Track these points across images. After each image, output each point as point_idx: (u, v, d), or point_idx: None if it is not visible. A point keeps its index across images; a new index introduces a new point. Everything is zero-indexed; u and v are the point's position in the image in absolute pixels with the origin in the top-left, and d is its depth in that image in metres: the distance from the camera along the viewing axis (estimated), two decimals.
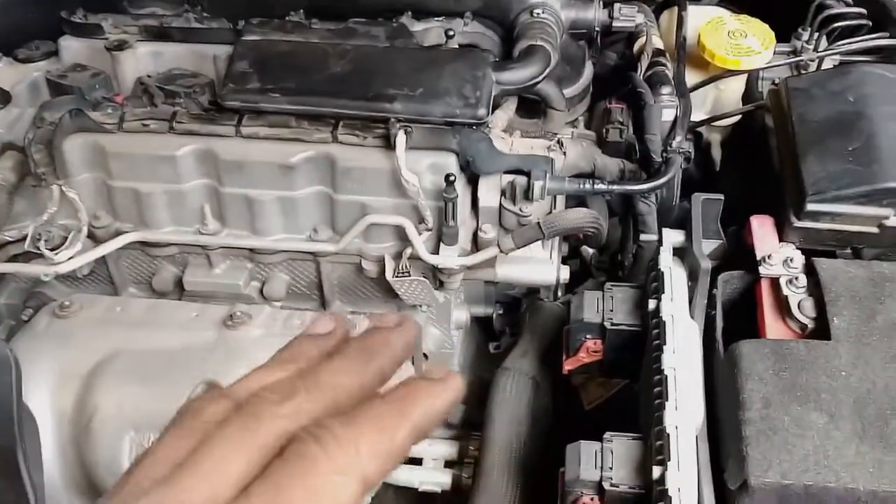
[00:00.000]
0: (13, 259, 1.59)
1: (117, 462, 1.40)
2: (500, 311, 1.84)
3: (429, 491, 1.67)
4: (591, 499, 1.27)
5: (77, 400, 1.45)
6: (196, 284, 1.61)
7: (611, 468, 1.25)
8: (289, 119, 1.48)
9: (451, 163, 1.47)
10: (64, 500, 1.47)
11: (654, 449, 1.22)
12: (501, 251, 1.47)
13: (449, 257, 1.49)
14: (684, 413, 1.22)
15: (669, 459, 1.18)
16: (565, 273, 1.56)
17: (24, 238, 1.53)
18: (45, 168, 1.49)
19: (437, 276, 1.54)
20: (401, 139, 1.42)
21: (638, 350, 1.41)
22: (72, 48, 1.71)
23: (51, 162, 1.49)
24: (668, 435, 1.19)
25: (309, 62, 1.52)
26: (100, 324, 1.55)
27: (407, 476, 1.67)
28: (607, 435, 1.29)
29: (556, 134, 1.62)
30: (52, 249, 1.51)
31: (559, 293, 1.68)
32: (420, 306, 1.60)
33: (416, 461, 1.71)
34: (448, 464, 1.71)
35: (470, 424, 1.74)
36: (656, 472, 1.19)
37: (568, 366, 1.47)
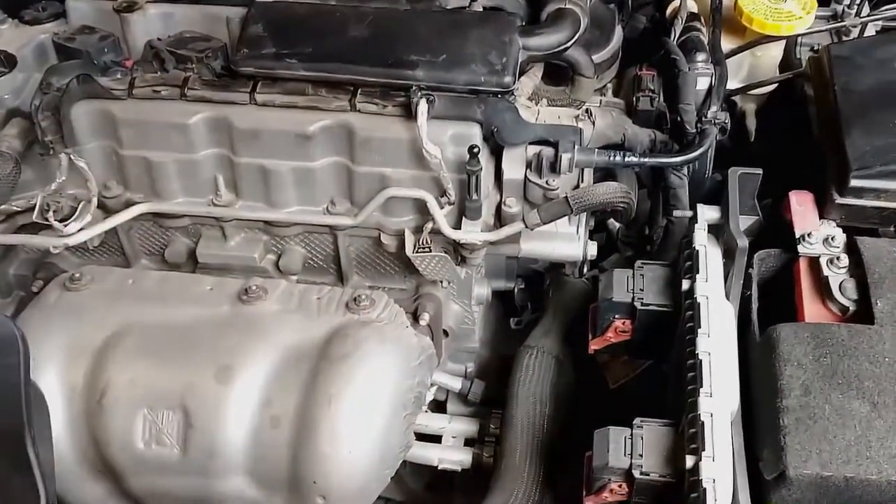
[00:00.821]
0: (21, 229, 1.54)
1: (131, 440, 1.37)
2: (522, 286, 1.79)
3: (448, 469, 1.64)
4: (620, 485, 1.22)
5: (88, 375, 1.41)
6: (210, 257, 1.55)
7: (641, 455, 1.21)
8: (305, 86, 1.41)
9: (474, 133, 1.40)
10: (76, 475, 1.44)
11: (686, 437, 1.17)
12: (527, 227, 1.41)
13: (471, 232, 1.43)
14: (719, 400, 1.17)
15: (704, 449, 1.13)
16: (593, 249, 1.50)
17: (33, 208, 1.47)
18: (52, 136, 1.43)
19: (458, 252, 1.48)
20: (422, 108, 1.36)
21: (668, 331, 1.35)
22: (80, 9, 1.64)
23: (58, 129, 1.43)
24: (703, 423, 1.14)
25: (326, 26, 1.45)
26: (111, 297, 1.51)
27: (425, 453, 1.63)
28: (637, 421, 1.24)
29: (584, 102, 1.54)
30: (61, 220, 1.46)
31: (585, 269, 1.62)
32: (441, 282, 1.55)
33: (436, 439, 1.67)
34: (468, 442, 1.67)
35: (490, 402, 1.70)
36: (689, 461, 1.14)
37: (594, 346, 1.42)
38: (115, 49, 1.54)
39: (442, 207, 1.42)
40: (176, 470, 1.37)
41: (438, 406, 1.78)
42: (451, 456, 1.63)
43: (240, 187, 1.49)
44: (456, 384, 1.72)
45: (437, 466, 1.63)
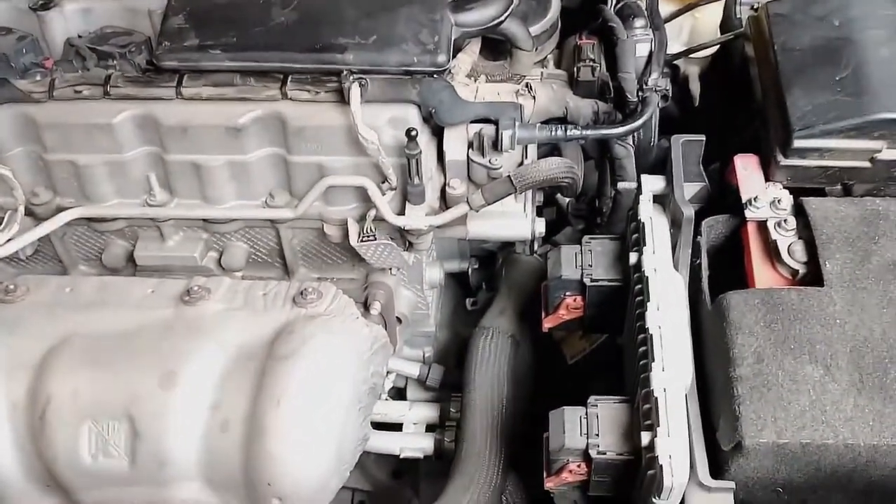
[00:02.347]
0: None
1: (77, 454, 1.33)
2: (476, 266, 1.76)
3: (410, 457, 1.61)
4: (579, 465, 1.21)
5: (29, 391, 1.36)
6: (149, 259, 1.50)
7: (597, 435, 1.19)
8: (233, 77, 1.36)
9: (411, 115, 1.36)
10: (26, 493, 1.39)
11: (641, 413, 1.16)
12: (472, 208, 1.37)
13: (416, 217, 1.39)
14: (672, 374, 1.15)
15: (658, 425, 1.11)
16: (541, 226, 1.47)
17: None
18: None
19: (405, 238, 1.44)
20: (355, 92, 1.31)
21: (620, 304, 1.33)
22: None
23: None
24: (657, 399, 1.12)
25: (251, 13, 1.39)
26: (49, 307, 1.45)
27: (387, 443, 1.60)
28: (592, 399, 1.22)
29: (524, 76, 1.51)
30: None
31: (536, 245, 1.59)
32: (389, 269, 1.51)
33: (397, 427, 1.64)
34: (430, 428, 1.65)
35: (451, 385, 1.67)
36: (645, 438, 1.12)
37: (547, 324, 1.40)
38: (33, 49, 1.47)
39: (384, 194, 1.38)
40: (126, 481, 1.33)
41: (398, 393, 1.76)
42: (413, 443, 1.61)
43: (174, 185, 1.44)
44: (414, 370, 1.69)
45: (399, 455, 1.61)
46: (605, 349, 1.61)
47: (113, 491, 1.35)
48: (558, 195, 1.65)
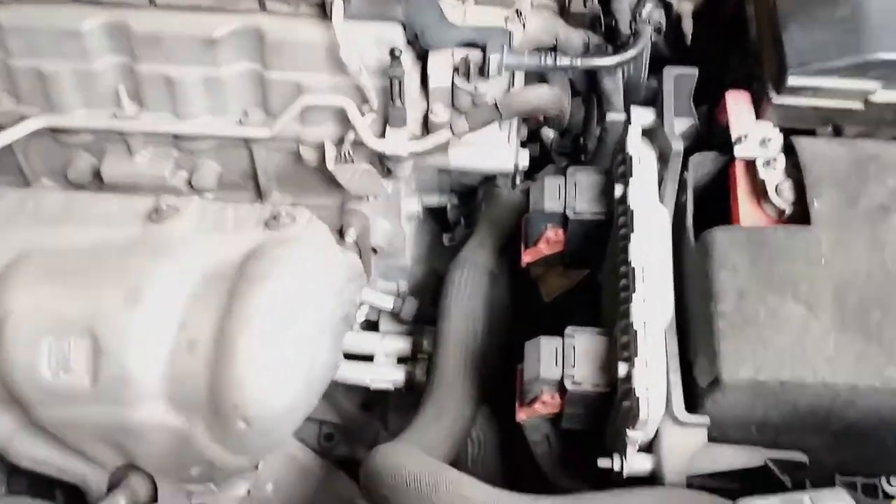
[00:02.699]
0: None
1: (35, 368, 1.28)
2: (455, 202, 1.72)
3: (381, 389, 1.59)
4: (552, 396, 1.19)
5: None
6: (116, 175, 1.45)
7: (573, 366, 1.17)
8: None
9: (396, 35, 1.31)
10: None
11: (619, 345, 1.14)
12: (454, 135, 1.33)
13: (396, 142, 1.35)
14: (653, 307, 1.13)
15: (636, 356, 1.09)
16: (524, 158, 1.44)
17: None
18: None
19: (384, 164, 1.40)
20: (338, 7, 1.26)
21: (602, 239, 1.30)
22: None
23: None
24: (636, 331, 1.10)
25: None
26: (9, 220, 1.40)
27: (357, 373, 1.57)
28: (569, 330, 1.20)
29: (514, 2, 1.45)
30: None
31: (518, 180, 1.55)
32: (366, 197, 1.47)
33: (367, 358, 1.61)
34: (401, 360, 1.62)
35: (423, 319, 1.65)
36: (622, 369, 1.11)
37: (527, 258, 1.36)
38: None
39: (364, 116, 1.34)
40: (87, 398, 1.29)
41: (370, 327, 1.73)
42: (384, 375, 1.58)
43: (144, 98, 1.38)
44: (388, 303, 1.66)
45: (369, 387, 1.58)
46: (583, 288, 1.59)
47: (73, 409, 1.31)
48: (543, 130, 1.61)
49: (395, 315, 1.67)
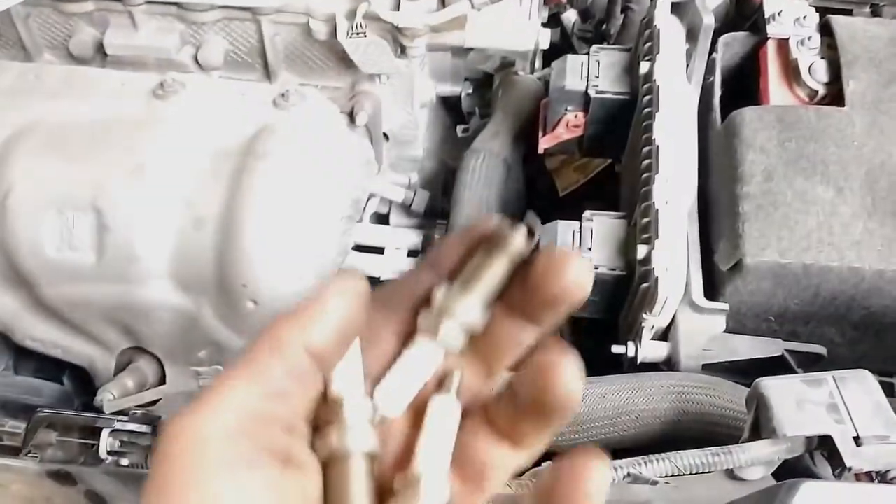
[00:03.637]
0: None
1: (39, 244, 1.25)
2: (470, 90, 1.66)
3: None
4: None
5: None
6: (119, 48, 1.39)
7: (590, 249, 1.13)
8: None
9: None
10: None
11: (639, 227, 1.10)
12: (473, 6, 1.27)
13: (412, 14, 1.28)
14: (675, 187, 1.09)
15: (657, 237, 1.05)
16: (545, 38, 1.37)
17: None
18: None
19: (397, 40, 1.34)
20: None
21: (624, 123, 1.25)
22: None
23: None
24: (657, 210, 1.06)
25: None
26: (11, 93, 1.35)
27: (368, 265, 1.54)
28: (587, 213, 1.16)
29: None
30: None
31: (537, 63, 1.49)
32: (378, 77, 1.41)
33: (378, 250, 1.58)
34: (411, 253, 1.59)
35: (435, 213, 1.61)
36: (641, 251, 1.07)
37: (545, 143, 1.32)
38: None
39: None
40: (92, 276, 1.26)
41: (381, 219, 1.69)
42: (395, 267, 1.55)
43: None
44: (398, 195, 1.62)
45: (379, 278, 1.55)
46: (600, 182, 1.54)
47: (79, 287, 1.28)
48: (565, 15, 1.54)
49: (405, 207, 1.63)
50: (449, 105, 1.71)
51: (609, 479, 0.46)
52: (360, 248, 1.54)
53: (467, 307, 0.46)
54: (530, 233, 0.47)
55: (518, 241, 0.47)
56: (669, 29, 1.18)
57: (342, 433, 0.46)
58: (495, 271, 0.47)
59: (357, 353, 0.48)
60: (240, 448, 0.44)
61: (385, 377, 0.48)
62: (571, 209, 1.27)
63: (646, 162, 1.12)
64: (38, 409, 1.17)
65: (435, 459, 0.48)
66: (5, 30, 1.42)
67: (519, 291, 0.47)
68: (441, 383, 0.49)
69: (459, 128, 1.71)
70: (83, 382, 1.50)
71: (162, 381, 1.41)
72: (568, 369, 0.44)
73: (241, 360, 0.46)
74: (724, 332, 1.13)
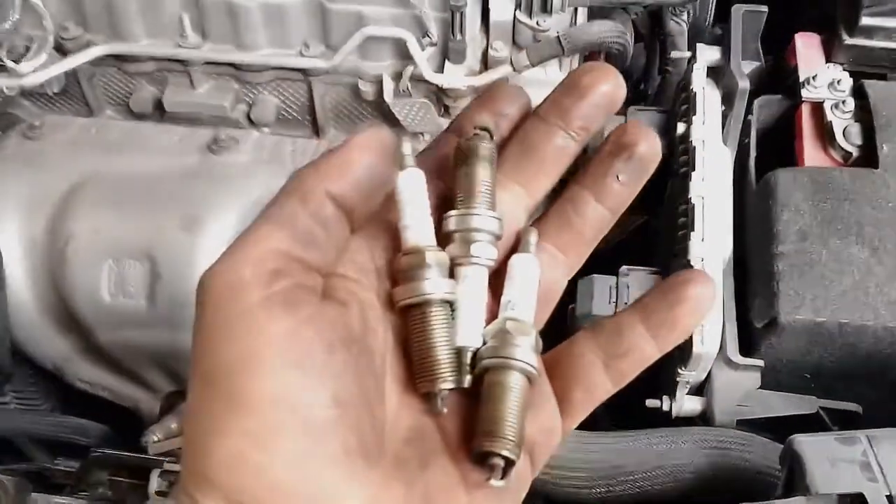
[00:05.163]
0: None
1: (96, 291, 1.32)
2: None
3: None
4: None
5: (49, 226, 1.35)
6: (177, 105, 1.46)
7: (626, 304, 1.15)
8: None
9: None
10: (41, 329, 1.39)
11: None
12: (515, 70, 1.32)
13: (455, 77, 1.34)
14: (712, 245, 1.11)
15: None
16: None
17: None
18: None
19: (441, 100, 1.39)
20: None
21: (661, 181, 1.28)
22: None
23: None
24: (693, 268, 1.08)
25: None
26: (73, 146, 1.43)
27: None
28: (623, 269, 1.19)
29: None
30: (15, 61, 1.36)
31: None
32: (422, 134, 1.46)
33: None
34: None
35: None
36: None
37: None
38: None
39: (423, 49, 1.33)
40: (144, 322, 1.32)
41: None
42: None
43: (206, 28, 1.39)
44: None
45: None
46: (638, 236, 1.56)
47: (131, 332, 1.34)
48: None
49: None
50: None
51: (712, 292, 0.49)
52: None
53: (482, 223, 0.51)
54: (485, 129, 0.53)
55: (486, 146, 0.52)
56: (706, 92, 1.21)
57: (424, 280, 0.49)
58: (484, 176, 0.52)
59: (425, 204, 0.51)
60: (276, 287, 0.44)
61: (462, 322, 0.51)
62: (606, 264, 1.29)
63: (682, 220, 1.14)
64: (92, 449, 1.21)
65: (525, 311, 0.51)
66: (71, 87, 1.50)
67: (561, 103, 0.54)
68: (517, 244, 0.53)
69: None
70: (126, 424, 1.54)
71: None
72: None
73: (269, 209, 0.47)
74: (759, 388, 1.14)
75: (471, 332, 0.51)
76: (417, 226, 0.50)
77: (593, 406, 0.53)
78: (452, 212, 0.51)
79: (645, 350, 0.52)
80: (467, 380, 0.51)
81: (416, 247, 0.50)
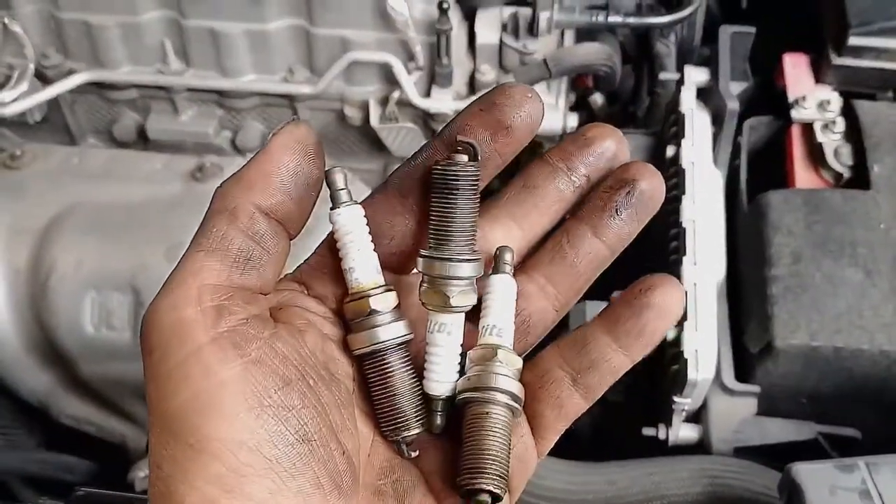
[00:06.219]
0: None
1: (79, 324, 1.29)
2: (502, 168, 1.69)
3: None
4: None
5: (32, 256, 1.32)
6: (160, 132, 1.44)
7: None
8: None
9: None
10: (23, 363, 1.36)
11: None
12: None
13: (442, 101, 1.32)
14: (704, 269, 1.09)
15: (686, 319, 1.06)
16: (573, 121, 1.40)
17: None
18: None
19: (428, 125, 1.38)
20: None
21: None
22: None
23: None
24: (686, 292, 1.07)
25: None
26: (55, 175, 1.40)
27: None
28: (615, 294, 1.17)
29: None
30: None
31: None
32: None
33: None
34: None
35: None
36: (670, 333, 1.07)
37: None
38: None
39: (410, 73, 1.31)
40: (128, 355, 1.29)
41: None
42: None
43: (189, 54, 1.37)
44: None
45: None
46: (630, 260, 1.55)
47: (115, 365, 1.31)
48: (591, 97, 1.58)
49: None
50: None
51: (680, 296, 0.47)
52: None
53: (460, 270, 0.48)
54: (469, 146, 0.48)
55: (465, 172, 0.48)
56: (695, 113, 1.20)
57: (375, 328, 0.47)
58: (462, 206, 0.48)
59: (366, 241, 0.48)
60: (222, 327, 0.43)
61: (435, 369, 0.48)
62: (599, 288, 1.28)
63: (673, 244, 1.13)
64: (76, 488, 1.18)
65: (507, 337, 0.50)
66: (52, 115, 1.49)
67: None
68: (495, 264, 0.50)
69: None
70: (114, 459, 1.51)
71: None
72: None
73: (199, 235, 0.46)
74: (757, 414, 1.12)
75: (445, 381, 0.49)
76: (361, 267, 0.47)
77: (566, 425, 0.51)
78: (425, 252, 0.48)
79: (613, 361, 0.50)
80: (438, 426, 0.49)
81: (360, 290, 0.48)
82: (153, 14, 1.34)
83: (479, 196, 0.49)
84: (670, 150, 1.19)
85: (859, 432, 1.14)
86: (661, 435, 1.11)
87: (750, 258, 1.13)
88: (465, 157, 0.48)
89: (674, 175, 1.17)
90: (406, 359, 0.48)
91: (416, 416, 0.48)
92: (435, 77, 1.32)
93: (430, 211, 0.48)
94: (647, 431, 1.12)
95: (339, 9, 1.28)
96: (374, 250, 0.48)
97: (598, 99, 1.56)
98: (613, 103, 1.58)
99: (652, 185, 0.51)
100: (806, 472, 0.88)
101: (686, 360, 1.03)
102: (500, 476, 0.47)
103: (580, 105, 1.59)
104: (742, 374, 1.11)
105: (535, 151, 1.58)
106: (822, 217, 1.11)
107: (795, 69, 1.27)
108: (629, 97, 1.56)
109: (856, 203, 1.11)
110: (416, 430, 0.48)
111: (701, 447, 1.11)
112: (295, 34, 1.33)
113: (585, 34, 1.38)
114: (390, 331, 0.47)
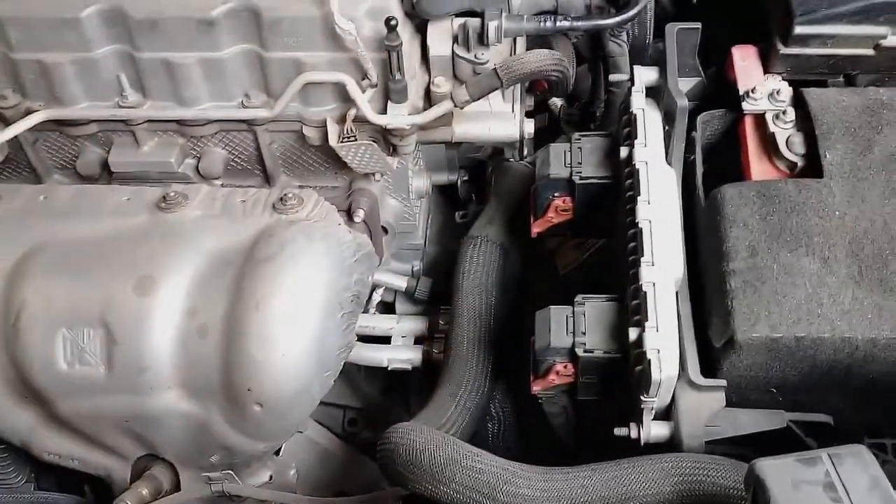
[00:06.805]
0: None
1: (53, 362, 1.29)
2: (465, 178, 1.70)
3: (398, 369, 1.58)
4: (565, 366, 1.17)
5: (2, 298, 1.32)
6: (123, 165, 1.45)
7: (584, 333, 1.15)
8: None
9: (391, 5, 1.29)
10: (2, 403, 1.37)
11: (630, 309, 1.11)
12: (456, 105, 1.31)
13: (398, 116, 1.33)
14: (662, 269, 1.10)
15: (647, 320, 1.07)
16: (530, 127, 1.41)
17: None
18: None
19: (388, 140, 1.39)
20: None
21: (610, 204, 1.28)
22: None
23: None
24: (645, 293, 1.08)
25: None
26: (22, 215, 1.40)
27: (374, 355, 1.57)
28: (579, 298, 1.18)
29: None
30: None
31: (526, 151, 1.53)
32: (373, 175, 1.46)
33: (385, 340, 1.61)
34: (418, 340, 1.61)
35: (440, 299, 1.63)
36: (633, 333, 1.08)
37: (536, 228, 1.34)
38: None
39: (364, 91, 1.32)
40: (104, 389, 1.29)
41: (387, 308, 1.72)
42: (401, 355, 1.57)
43: (146, 86, 1.37)
44: (402, 283, 1.65)
45: (387, 368, 1.57)
46: (599, 259, 1.56)
47: (91, 400, 1.31)
48: (551, 100, 1.59)
49: (410, 295, 1.66)
50: (448, 192, 1.76)
51: None
52: (367, 339, 1.57)
53: None
54: None
55: None
56: (646, 113, 1.21)
57: None
58: None
59: None
60: None
61: None
62: (573, 288, 1.29)
63: (631, 245, 1.14)
64: None
65: None
66: (16, 155, 1.49)
67: None
68: None
69: (458, 214, 1.74)
70: (103, 493, 1.52)
71: (177, 486, 1.43)
72: None
73: None
74: (728, 406, 1.13)
75: None
76: None
77: None
78: None
79: None
80: None
81: None
82: (107, 49, 1.34)
83: None
84: (623, 151, 1.20)
85: (831, 418, 1.15)
86: (633, 434, 1.12)
87: (708, 253, 1.14)
88: None
89: (628, 176, 1.18)
90: None
91: None
92: (389, 93, 1.33)
93: None
94: (619, 432, 1.13)
95: (290, 32, 1.29)
96: None
97: (557, 101, 1.57)
98: (573, 104, 1.59)
99: None
100: (769, 468, 0.89)
101: (649, 360, 1.04)
102: None
103: (541, 108, 1.61)
104: (709, 368, 1.12)
105: (499, 161, 1.59)
106: (776, 208, 1.12)
107: (745, 61, 1.29)
108: (588, 97, 1.57)
109: (809, 192, 1.13)
110: None
111: (673, 444, 1.12)
112: (248, 60, 1.34)
113: (538, 40, 1.39)
114: None
